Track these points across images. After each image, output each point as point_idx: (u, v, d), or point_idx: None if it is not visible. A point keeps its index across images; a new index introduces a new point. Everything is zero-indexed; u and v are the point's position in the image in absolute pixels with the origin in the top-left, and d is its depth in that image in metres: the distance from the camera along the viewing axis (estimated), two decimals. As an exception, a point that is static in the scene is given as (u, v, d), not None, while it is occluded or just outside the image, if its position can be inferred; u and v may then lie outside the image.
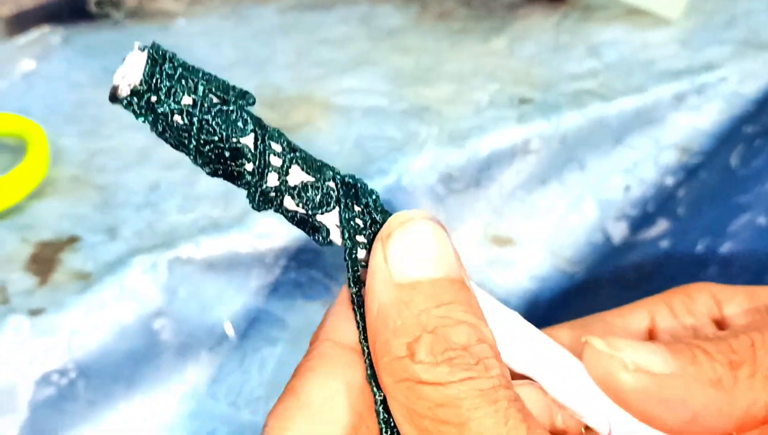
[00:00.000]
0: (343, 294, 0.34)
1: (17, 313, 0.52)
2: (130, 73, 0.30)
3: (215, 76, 0.31)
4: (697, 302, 0.39)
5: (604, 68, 0.65)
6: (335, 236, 0.33)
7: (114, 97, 0.30)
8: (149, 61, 0.30)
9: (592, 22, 0.70)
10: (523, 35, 0.70)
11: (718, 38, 0.67)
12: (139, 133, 0.64)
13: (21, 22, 0.75)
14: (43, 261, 0.56)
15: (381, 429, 0.32)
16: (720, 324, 0.39)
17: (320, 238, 0.33)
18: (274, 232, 0.56)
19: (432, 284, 0.30)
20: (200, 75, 0.30)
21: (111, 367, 0.53)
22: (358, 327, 0.32)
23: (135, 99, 0.30)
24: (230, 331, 0.55)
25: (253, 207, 0.33)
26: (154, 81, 0.29)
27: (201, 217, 0.57)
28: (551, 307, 0.60)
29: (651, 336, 0.39)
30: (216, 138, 0.30)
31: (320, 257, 0.57)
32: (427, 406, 0.29)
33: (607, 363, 0.34)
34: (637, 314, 0.40)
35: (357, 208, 0.33)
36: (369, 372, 0.32)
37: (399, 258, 0.31)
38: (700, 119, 0.62)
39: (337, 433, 0.31)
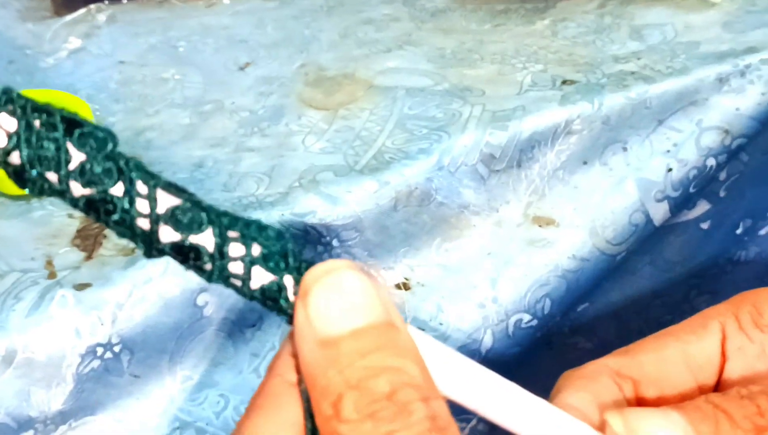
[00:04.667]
0: None
1: (64, 287, 0.53)
2: None
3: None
4: (764, 316, 0.38)
5: (647, 50, 0.65)
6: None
7: None
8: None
9: (634, 4, 0.70)
10: (566, 17, 0.70)
11: (762, 21, 0.67)
12: (184, 111, 0.65)
13: (68, 1, 0.76)
14: (90, 236, 0.56)
15: None
16: None
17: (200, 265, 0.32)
18: (318, 210, 0.57)
19: (354, 336, 0.30)
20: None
21: (155, 342, 0.54)
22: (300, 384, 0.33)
23: None
24: None
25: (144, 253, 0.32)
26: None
27: (245, 195, 0.57)
28: (592, 288, 0.61)
29: (723, 354, 0.39)
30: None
31: (363, 235, 0.57)
32: None
33: None
34: (710, 329, 0.39)
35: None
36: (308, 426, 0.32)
37: (319, 315, 0.31)
38: (742, 101, 0.62)
39: None
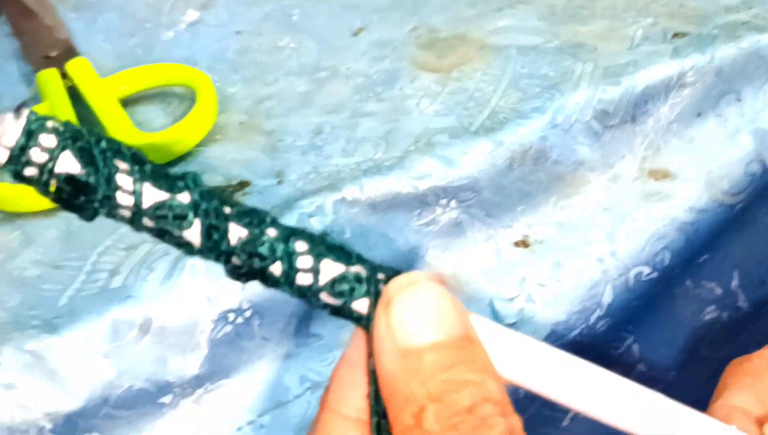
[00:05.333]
0: (347, 354, 0.35)
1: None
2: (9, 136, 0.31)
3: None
4: None
5: (759, 0, 0.65)
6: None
7: None
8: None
9: (746, -49, 0.70)
10: (676, -33, 0.70)
11: None
12: (300, 79, 0.66)
13: (184, -26, 0.77)
14: (216, 206, 0.58)
15: None
16: None
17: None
18: (434, 172, 0.58)
19: (435, 348, 0.31)
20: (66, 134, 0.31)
21: (283, 305, 0.56)
22: (370, 384, 0.34)
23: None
24: None
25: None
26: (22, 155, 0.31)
27: (363, 160, 0.59)
28: (711, 239, 0.61)
29: None
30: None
31: (480, 196, 0.58)
32: None
33: None
34: None
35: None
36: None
37: (401, 325, 0.31)
38: None
39: None
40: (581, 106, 0.60)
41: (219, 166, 0.61)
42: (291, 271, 0.33)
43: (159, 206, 0.32)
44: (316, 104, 0.64)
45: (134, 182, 0.32)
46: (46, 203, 0.59)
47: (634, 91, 0.60)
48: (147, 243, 0.56)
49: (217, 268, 0.54)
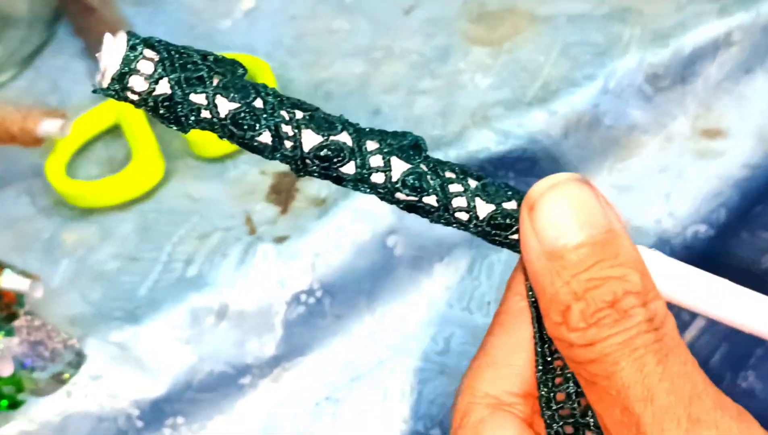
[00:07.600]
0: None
1: (264, 241, 0.57)
2: (111, 62, 0.31)
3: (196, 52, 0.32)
4: None
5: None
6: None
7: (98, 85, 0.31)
8: (129, 50, 0.31)
9: None
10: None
11: None
12: (356, 60, 0.68)
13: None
14: (282, 191, 0.60)
15: (537, 362, 0.35)
16: None
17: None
18: (491, 145, 0.59)
19: (577, 249, 0.32)
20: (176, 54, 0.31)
21: (352, 284, 0.58)
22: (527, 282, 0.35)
23: (116, 85, 0.31)
24: None
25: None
26: (132, 69, 0.31)
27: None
28: (764, 193, 0.62)
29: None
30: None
31: (537, 166, 0.60)
32: (581, 361, 0.32)
33: None
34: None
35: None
36: (534, 321, 0.35)
37: (545, 227, 0.32)
38: None
39: (517, 386, 0.35)
40: (632, 70, 0.61)
41: (283, 151, 0.62)
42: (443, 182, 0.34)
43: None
44: (373, 84, 0.66)
45: (207, 97, 0.32)
46: (120, 198, 0.61)
47: (683, 52, 0.62)
48: (219, 231, 0.59)
49: (288, 251, 0.57)
